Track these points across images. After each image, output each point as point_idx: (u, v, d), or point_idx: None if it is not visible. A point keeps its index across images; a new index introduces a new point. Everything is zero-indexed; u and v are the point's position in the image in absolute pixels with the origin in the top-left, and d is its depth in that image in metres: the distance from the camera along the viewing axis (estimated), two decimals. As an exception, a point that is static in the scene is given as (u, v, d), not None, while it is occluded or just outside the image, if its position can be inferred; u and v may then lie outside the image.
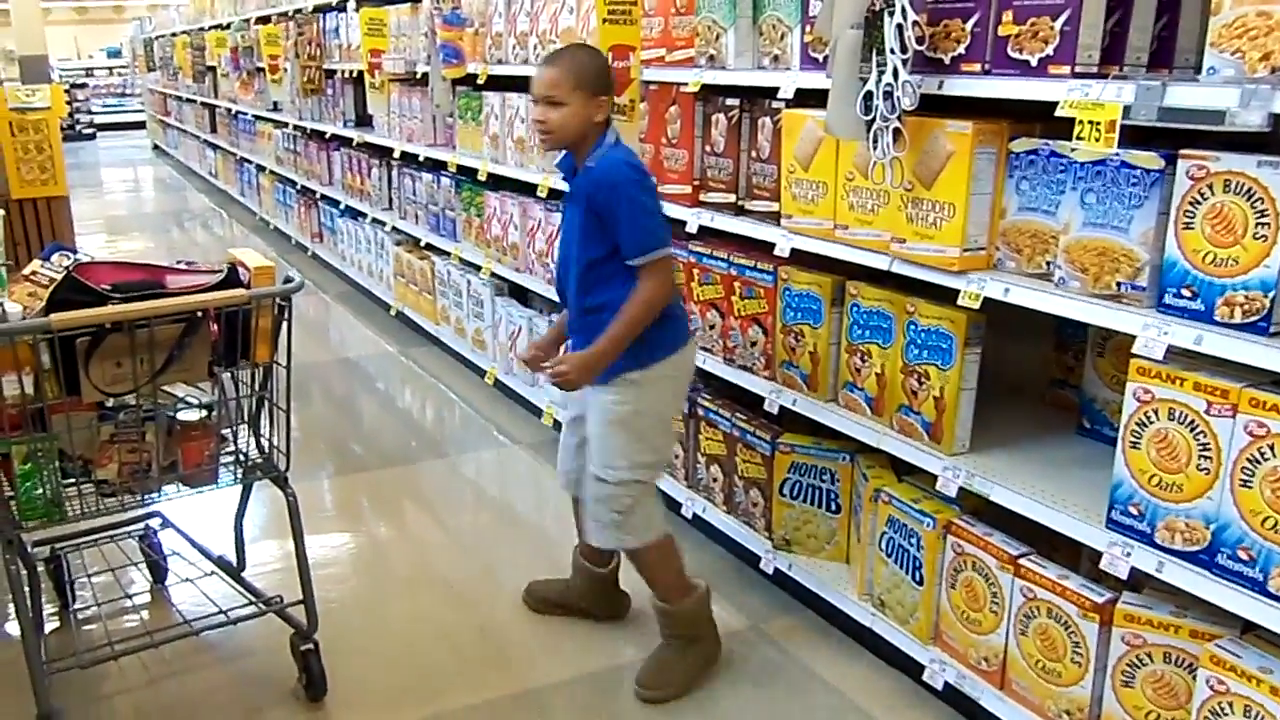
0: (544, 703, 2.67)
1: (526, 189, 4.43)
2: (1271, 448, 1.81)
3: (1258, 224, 1.81)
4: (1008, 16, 2.18)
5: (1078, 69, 2.07)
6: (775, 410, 3.01)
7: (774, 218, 2.93)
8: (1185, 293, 1.93)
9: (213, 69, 10.73)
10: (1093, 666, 2.18)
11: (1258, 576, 1.85)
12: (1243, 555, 1.87)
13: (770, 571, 3.07)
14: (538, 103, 2.50)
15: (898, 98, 2.29)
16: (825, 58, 2.50)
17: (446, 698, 2.68)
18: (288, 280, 2.46)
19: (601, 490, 2.58)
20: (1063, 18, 2.07)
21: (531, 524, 3.80)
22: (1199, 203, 1.89)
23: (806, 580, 2.96)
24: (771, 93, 2.85)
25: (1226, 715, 1.94)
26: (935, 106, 2.34)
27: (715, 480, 3.31)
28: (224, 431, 2.59)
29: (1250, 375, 1.86)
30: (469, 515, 3.88)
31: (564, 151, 2.62)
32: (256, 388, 2.54)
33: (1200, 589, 1.94)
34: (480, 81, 4.71)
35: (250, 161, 9.90)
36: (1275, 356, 1.79)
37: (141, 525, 3.11)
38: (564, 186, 2.60)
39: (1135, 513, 2.04)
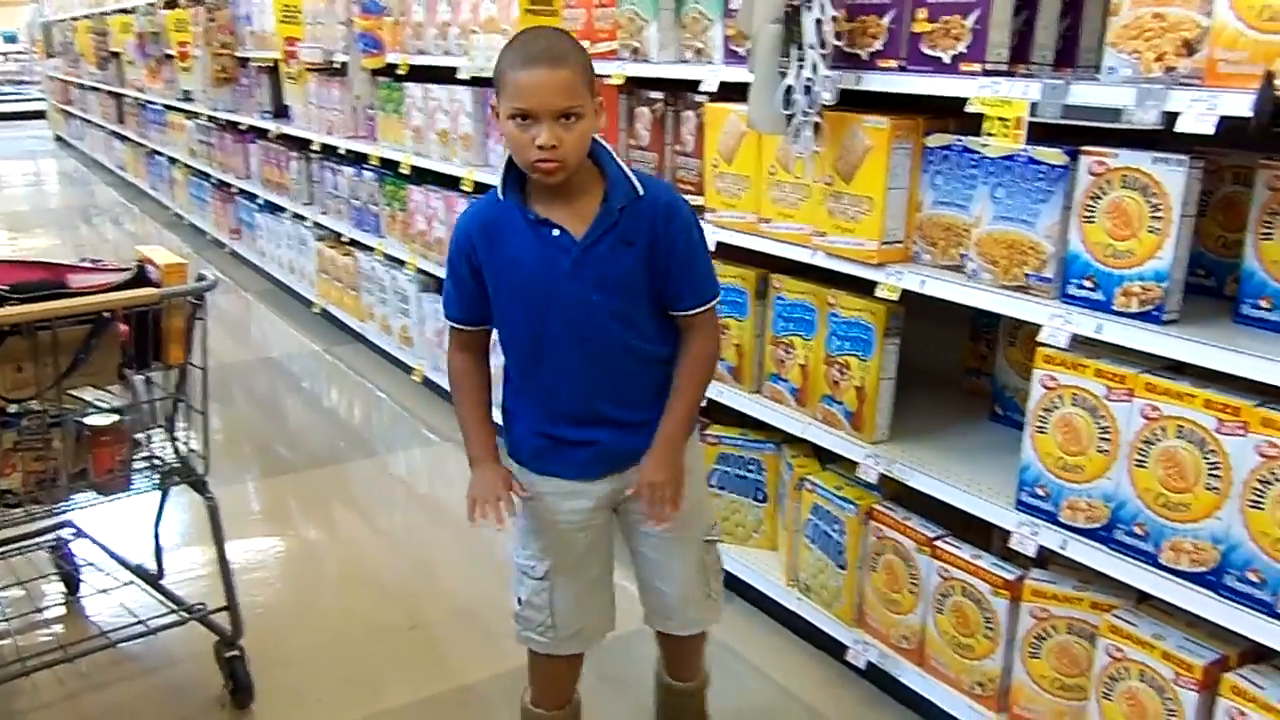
0: (483, 697, 2.68)
1: (450, 183, 4.41)
2: (1164, 429, 1.91)
3: (1152, 217, 1.91)
4: (922, 14, 2.24)
5: (988, 66, 2.14)
6: (703, 403, 3.05)
7: (699, 211, 2.97)
8: (1087, 284, 2.02)
9: (117, 55, 10.35)
10: (1003, 640, 2.28)
11: (1151, 550, 1.96)
12: (1138, 531, 1.98)
13: (698, 560, 3.12)
14: (539, 119, 1.77)
15: (817, 92, 2.34)
16: (747, 52, 2.53)
17: (383, 698, 2.67)
18: (201, 278, 2.39)
19: (712, 554, 2.20)
20: (973, 16, 2.14)
21: (463, 521, 3.76)
22: (1099, 197, 1.98)
23: (735, 568, 3.01)
24: (694, 86, 2.88)
25: (1123, 679, 2.05)
26: (854, 102, 2.40)
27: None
28: (137, 436, 2.51)
29: (1147, 362, 1.96)
30: (399, 514, 3.87)
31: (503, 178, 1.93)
32: (171, 390, 2.47)
33: (1100, 564, 2.05)
34: (401, 72, 4.67)
35: (162, 154, 9.60)
36: (1168, 344, 1.89)
37: (52, 536, 2.99)
38: (494, 181, 1.95)
39: (1042, 494, 2.14)
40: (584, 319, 1.92)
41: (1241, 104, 1.68)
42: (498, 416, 2.11)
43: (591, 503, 2.05)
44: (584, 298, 1.90)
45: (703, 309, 1.99)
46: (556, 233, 1.89)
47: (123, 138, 11.43)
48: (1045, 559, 2.24)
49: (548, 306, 1.92)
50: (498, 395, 2.10)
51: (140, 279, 2.35)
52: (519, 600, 2.13)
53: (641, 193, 1.90)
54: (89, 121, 13.45)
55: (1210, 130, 1.74)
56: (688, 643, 2.29)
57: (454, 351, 2.07)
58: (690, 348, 2.01)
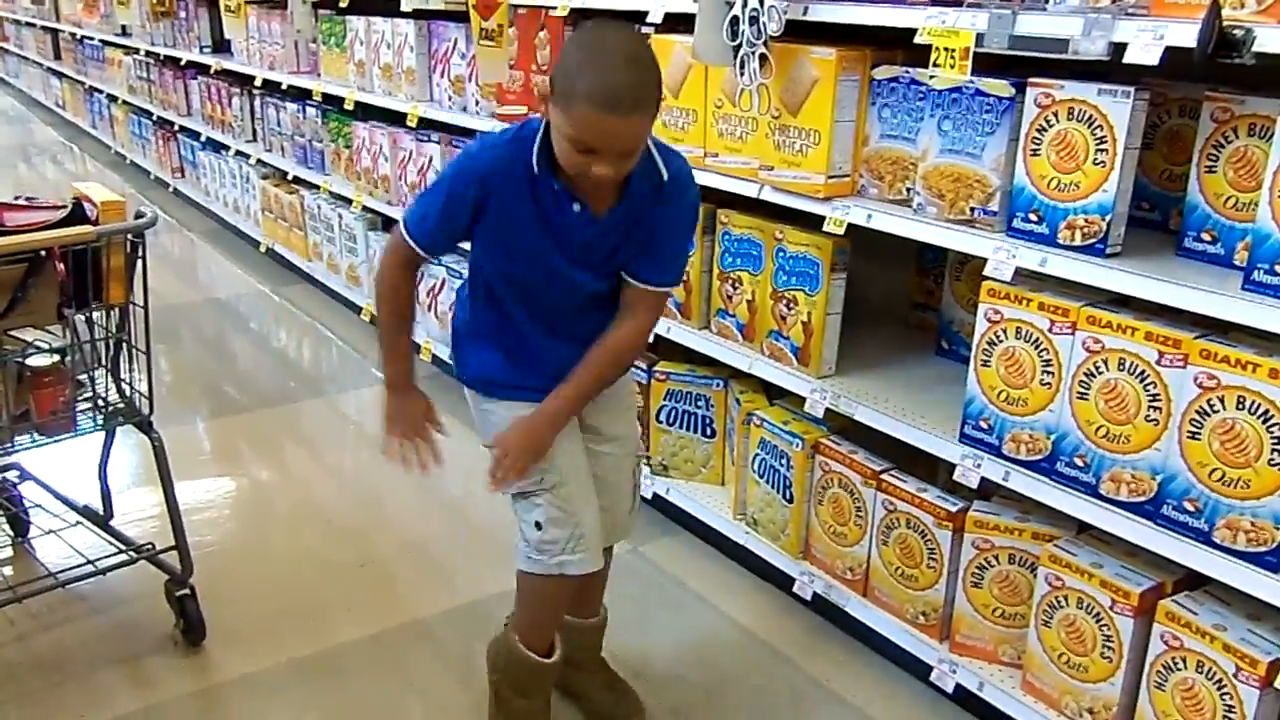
0: (432, 631, 2.70)
1: (395, 118, 4.32)
2: (1106, 362, 1.93)
3: (1097, 150, 1.91)
4: (868, -57, 2.21)
5: (936, -4, 2.12)
6: (651, 339, 3.04)
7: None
8: (1032, 217, 2.03)
9: (53, -11, 10.07)
10: (946, 570, 2.33)
11: (1091, 481, 1.99)
12: (1079, 462, 2.01)
13: (649, 496, 3.14)
14: (598, 152, 1.71)
15: (763, 23, 2.31)
16: (692, -18, 2.49)
17: (333, 633, 2.68)
18: (139, 215, 2.35)
19: (639, 470, 2.26)
20: (920, -55, 2.11)
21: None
22: (1045, 129, 1.98)
23: (684, 503, 3.04)
24: (641, 17, 2.83)
25: (1062, 607, 2.10)
26: (801, 33, 2.36)
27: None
28: (81, 377, 2.47)
29: (1090, 295, 1.98)
30: (349, 453, 3.85)
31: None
32: (113, 330, 2.44)
33: (1042, 495, 2.08)
34: (343, 4, 4.55)
35: (100, 91, 9.31)
36: (1111, 277, 1.90)
37: (-3, 478, 2.97)
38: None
39: (985, 427, 2.16)
40: (574, 290, 1.94)
41: (1188, 34, 1.67)
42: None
43: None
44: (580, 274, 1.92)
45: (658, 289, 1.98)
46: (578, 207, 1.85)
47: (60, 75, 11.09)
48: (988, 491, 2.28)
49: (545, 272, 1.91)
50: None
51: (76, 216, 2.30)
52: (537, 526, 2.01)
53: (665, 177, 1.88)
54: (25, 58, 13.03)
55: (1156, 61, 1.73)
56: (602, 570, 2.22)
57: (396, 268, 1.99)
58: (622, 326, 1.98)
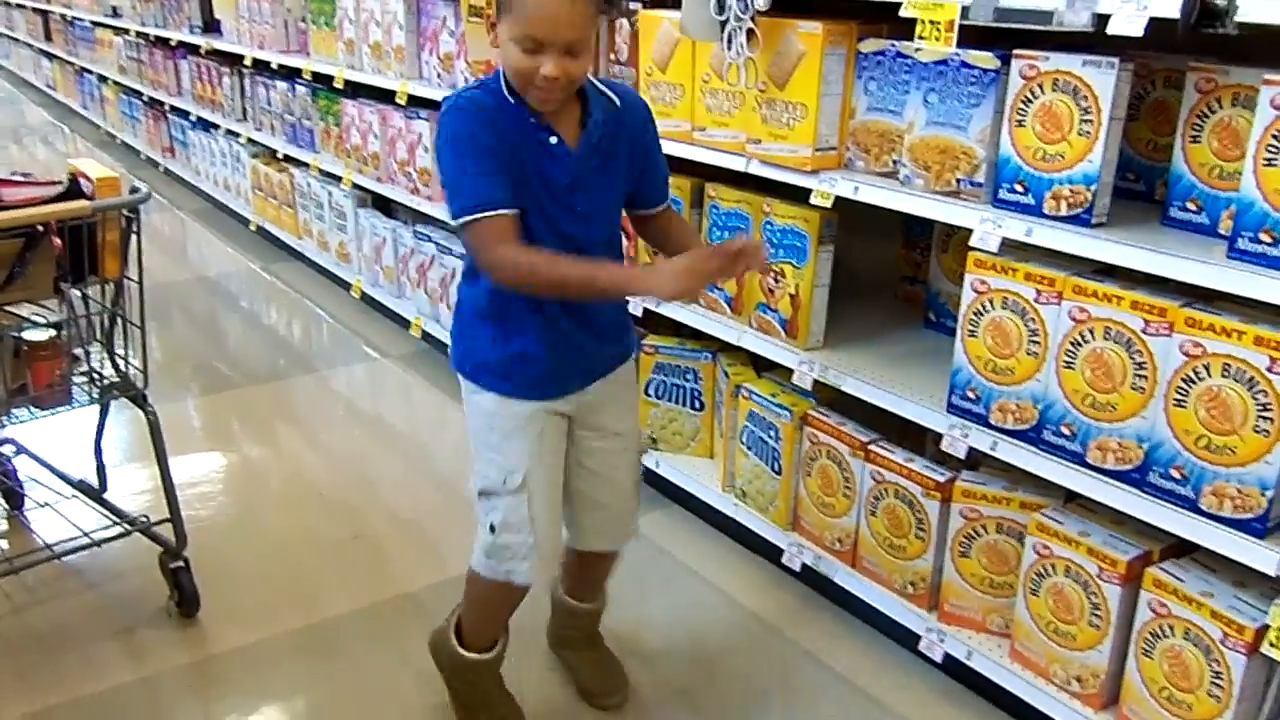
0: (424, 604, 2.71)
1: (385, 96, 4.31)
2: (1091, 331, 1.94)
3: (1082, 121, 1.92)
4: (853, -84, 2.21)
5: (921, -31, 2.13)
6: (639, 313, 3.06)
7: (634, 122, 2.93)
8: (1018, 188, 2.04)
9: (42, -30, 10.02)
10: (934, 540, 2.34)
11: (1078, 450, 2.01)
12: (1065, 431, 2.02)
13: (640, 470, 3.16)
14: (546, 50, 1.71)
15: (750, -3, 2.32)
16: (680, -43, 2.49)
17: (326, 606, 2.70)
18: (134, 190, 2.37)
19: (640, 466, 2.25)
20: (905, -83, 2.11)
21: (404, 435, 3.81)
22: (1030, 101, 1.99)
23: (673, 476, 3.06)
24: (629, -7, 2.84)
25: (1050, 576, 2.12)
26: (787, 7, 2.36)
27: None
28: (76, 351, 2.50)
29: (1076, 265, 1.99)
30: (340, 429, 3.86)
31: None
32: (108, 304, 2.46)
33: (1029, 464, 2.10)
34: (333, -17, 4.54)
35: (91, 72, 9.28)
36: (1097, 246, 1.91)
37: (-7, 451, 2.99)
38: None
39: (972, 396, 2.18)
40: (574, 230, 1.89)
41: (1171, 5, 1.67)
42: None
43: (557, 405, 2.02)
44: (578, 212, 1.89)
45: (668, 201, 2.12)
46: (554, 140, 1.84)
47: (51, 56, 11.05)
48: (976, 461, 2.30)
49: (542, 214, 1.86)
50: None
51: (73, 192, 2.32)
52: (492, 529, 2.01)
53: (618, 104, 1.92)
54: (15, 39, 12.97)
55: (1140, 32, 1.73)
56: (607, 564, 2.32)
57: (505, 249, 1.78)
58: (674, 219, 2.16)
